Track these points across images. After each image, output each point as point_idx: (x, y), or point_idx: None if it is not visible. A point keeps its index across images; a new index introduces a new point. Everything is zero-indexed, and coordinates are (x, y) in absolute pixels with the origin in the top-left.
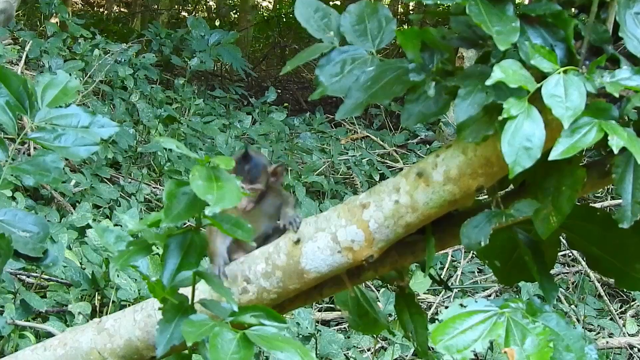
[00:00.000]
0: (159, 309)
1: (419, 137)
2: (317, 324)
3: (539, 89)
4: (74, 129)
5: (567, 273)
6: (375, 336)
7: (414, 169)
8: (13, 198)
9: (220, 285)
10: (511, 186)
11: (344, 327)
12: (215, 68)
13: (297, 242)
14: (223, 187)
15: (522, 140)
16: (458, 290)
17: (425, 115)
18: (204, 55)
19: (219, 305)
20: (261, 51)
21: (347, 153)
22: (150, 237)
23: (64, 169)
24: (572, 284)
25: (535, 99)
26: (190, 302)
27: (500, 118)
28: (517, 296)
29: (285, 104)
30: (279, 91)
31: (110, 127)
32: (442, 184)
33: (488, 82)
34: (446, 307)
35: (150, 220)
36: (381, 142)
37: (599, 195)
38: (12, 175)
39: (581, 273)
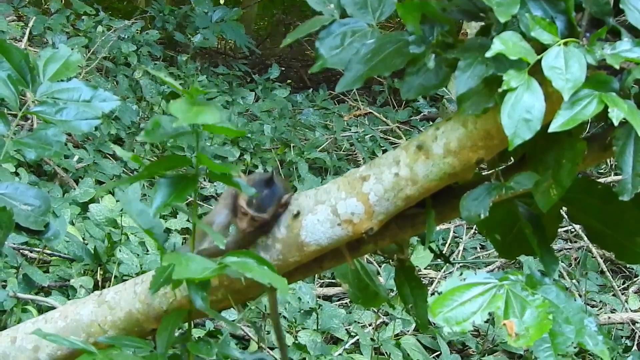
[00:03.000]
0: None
1: (422, 114)
2: (318, 299)
3: (539, 61)
4: (75, 102)
5: (569, 249)
6: (376, 311)
7: (414, 142)
8: (16, 174)
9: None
10: (512, 160)
11: (346, 303)
12: (219, 46)
13: (297, 215)
14: (202, 109)
15: (521, 112)
16: (460, 266)
17: (425, 88)
18: (207, 32)
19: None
20: (265, 29)
21: (350, 129)
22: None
23: (66, 145)
24: (575, 260)
25: (536, 71)
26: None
27: (500, 90)
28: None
29: (289, 81)
30: (283, 69)
31: (111, 101)
32: (442, 156)
33: (488, 54)
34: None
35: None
36: (384, 119)
37: (602, 171)
38: (14, 151)
39: (583, 249)
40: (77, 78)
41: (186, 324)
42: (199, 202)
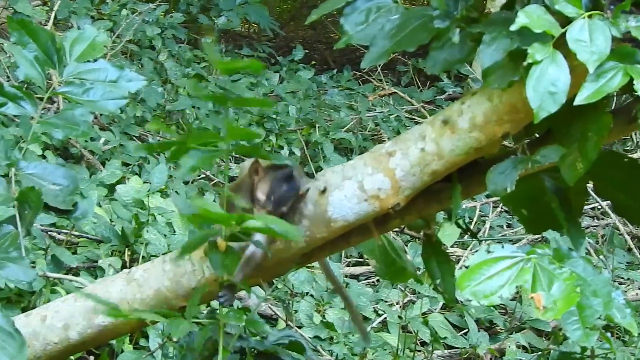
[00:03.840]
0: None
1: (446, 94)
2: (345, 277)
3: (564, 34)
4: (102, 83)
5: (596, 226)
6: (403, 289)
7: (439, 117)
8: (43, 157)
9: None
10: (537, 134)
11: (373, 282)
12: (242, 29)
13: (324, 191)
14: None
15: (547, 85)
16: (487, 243)
17: (450, 62)
18: (231, 14)
19: None
20: (288, 12)
21: (375, 109)
22: None
23: (92, 127)
24: (602, 237)
25: (560, 44)
26: None
27: (525, 63)
28: None
29: (313, 62)
30: (307, 51)
31: (138, 81)
32: (468, 131)
33: (512, 28)
34: None
35: None
36: (409, 99)
37: (628, 148)
38: (42, 133)
39: (610, 226)
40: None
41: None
42: (222, 182)
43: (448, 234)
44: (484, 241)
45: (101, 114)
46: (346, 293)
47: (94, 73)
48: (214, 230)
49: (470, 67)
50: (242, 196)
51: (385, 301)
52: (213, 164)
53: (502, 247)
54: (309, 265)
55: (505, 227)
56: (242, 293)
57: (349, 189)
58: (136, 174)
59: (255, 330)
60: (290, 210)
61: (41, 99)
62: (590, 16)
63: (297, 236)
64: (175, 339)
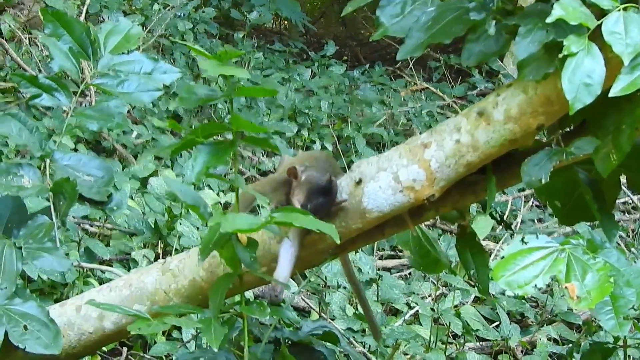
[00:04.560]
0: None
1: (478, 89)
2: (378, 270)
3: (599, 26)
4: (136, 75)
5: (627, 220)
6: (435, 282)
7: (474, 109)
8: (75, 150)
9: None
10: (571, 126)
11: (405, 274)
12: (274, 25)
13: (359, 182)
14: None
15: (582, 76)
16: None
17: (485, 55)
18: (263, 9)
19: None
20: (319, 8)
21: (407, 105)
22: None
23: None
24: (632, 231)
25: (596, 37)
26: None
27: (560, 55)
28: None
29: (345, 58)
30: (338, 47)
31: (172, 73)
32: (503, 122)
33: (548, 20)
34: None
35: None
36: (441, 94)
37: None
38: (75, 125)
39: None
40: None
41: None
42: (256, 176)
43: (481, 226)
44: (516, 233)
45: (134, 108)
46: (362, 290)
47: (129, 65)
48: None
49: (502, 62)
50: (278, 194)
51: (417, 294)
52: (225, 160)
53: (537, 237)
54: None
55: (536, 221)
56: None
57: (384, 180)
58: (168, 167)
59: (288, 320)
60: (324, 215)
61: (75, 91)
62: (625, 8)
63: (333, 232)
64: None
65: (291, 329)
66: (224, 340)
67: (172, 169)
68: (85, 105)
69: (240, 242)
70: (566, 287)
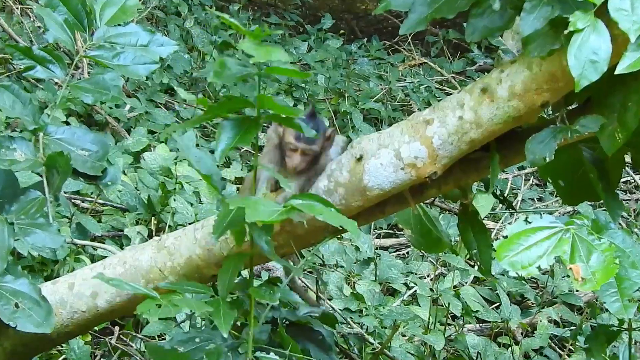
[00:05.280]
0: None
1: (477, 64)
2: (376, 249)
3: (605, 2)
4: (133, 47)
5: (628, 200)
6: (435, 262)
7: (478, 85)
8: (67, 123)
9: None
10: (576, 103)
11: (403, 254)
12: None
13: (360, 159)
14: (271, 50)
15: (588, 53)
16: (520, 215)
17: (490, 30)
18: None
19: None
20: None
21: (405, 80)
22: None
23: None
24: (634, 211)
25: (602, 13)
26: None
27: (566, 32)
28: None
29: (342, 31)
30: (334, 21)
31: (169, 46)
32: (507, 99)
33: None
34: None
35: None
36: (439, 69)
37: None
38: (68, 98)
39: None
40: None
41: (246, 271)
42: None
43: (482, 205)
44: (517, 213)
45: (127, 80)
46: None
47: (125, 37)
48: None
49: (501, 37)
50: (272, 158)
51: (416, 274)
52: (250, 140)
53: (541, 217)
54: (340, 236)
55: (536, 200)
56: (271, 264)
57: (385, 157)
58: (162, 142)
59: (288, 301)
60: (321, 152)
61: (69, 63)
62: None
63: (354, 229)
64: None
65: (288, 309)
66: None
67: (165, 143)
68: (79, 78)
69: (257, 225)
70: (571, 268)
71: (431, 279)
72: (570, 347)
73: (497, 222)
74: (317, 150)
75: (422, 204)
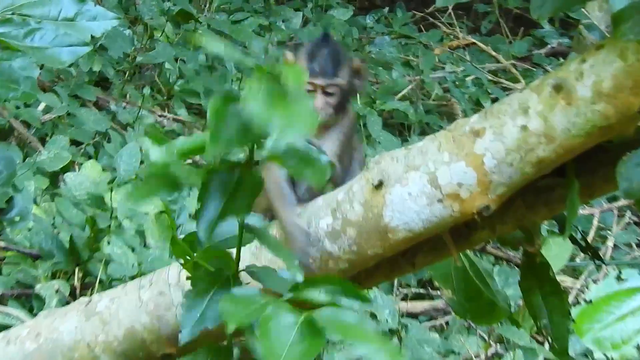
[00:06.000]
0: (187, 278)
1: (548, 46)
2: (401, 317)
3: None
4: (53, 21)
5: None
6: (487, 337)
7: (549, 80)
8: None
9: (278, 245)
10: None
11: (440, 323)
12: None
13: (379, 186)
14: (291, 109)
15: None
16: (610, 268)
17: (565, 2)
18: None
19: (275, 275)
20: None
21: (444, 68)
22: (181, 171)
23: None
24: None
25: None
26: (233, 270)
27: None
28: None
29: None
30: None
31: (105, 20)
32: (591, 101)
33: None
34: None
35: (187, 145)
36: (494, 53)
37: None
38: None
39: None
40: None
41: None
42: None
43: (555, 254)
44: (607, 265)
45: (41, 68)
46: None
47: (42, 7)
48: None
49: (584, 8)
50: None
51: (459, 353)
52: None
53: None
54: None
55: (634, 245)
56: None
57: (415, 184)
58: (91, 157)
59: None
60: (350, 89)
61: None
62: None
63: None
64: None
65: None
66: None
67: (95, 159)
68: None
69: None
70: None
71: None
72: None
73: (577, 279)
74: (344, 85)
75: (468, 252)
